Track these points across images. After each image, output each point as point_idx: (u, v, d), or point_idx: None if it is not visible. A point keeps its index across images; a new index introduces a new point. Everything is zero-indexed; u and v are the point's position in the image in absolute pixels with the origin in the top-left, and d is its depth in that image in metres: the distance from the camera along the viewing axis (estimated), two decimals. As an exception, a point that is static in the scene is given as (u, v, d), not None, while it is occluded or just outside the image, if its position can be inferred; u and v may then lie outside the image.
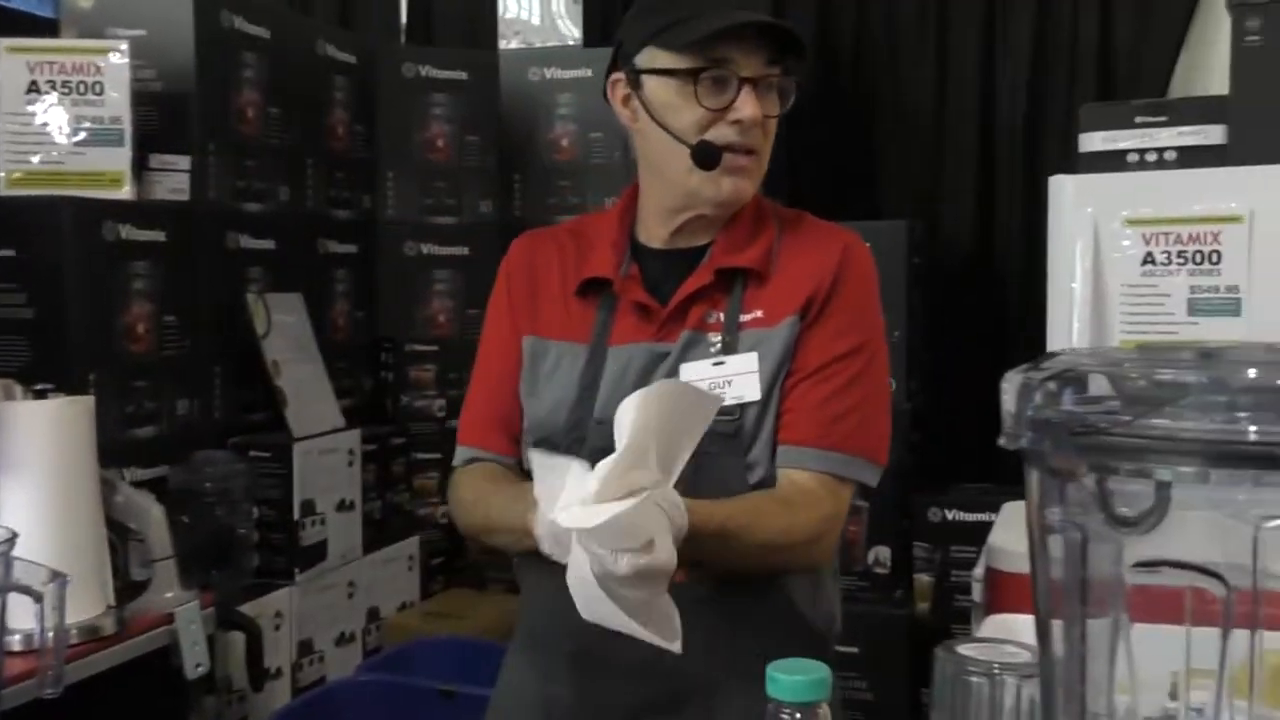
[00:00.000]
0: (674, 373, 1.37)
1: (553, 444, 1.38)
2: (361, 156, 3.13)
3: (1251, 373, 0.67)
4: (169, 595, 1.95)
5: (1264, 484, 0.67)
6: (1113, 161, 2.46)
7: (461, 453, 1.51)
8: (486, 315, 1.54)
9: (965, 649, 1.01)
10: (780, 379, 1.37)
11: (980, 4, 3.05)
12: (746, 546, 1.29)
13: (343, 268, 3.04)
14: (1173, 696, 0.81)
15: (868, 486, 1.41)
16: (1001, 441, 0.76)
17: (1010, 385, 0.75)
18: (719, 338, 1.38)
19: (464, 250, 3.26)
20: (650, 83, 1.39)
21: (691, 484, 1.27)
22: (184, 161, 2.46)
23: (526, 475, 1.41)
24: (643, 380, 1.37)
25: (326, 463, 2.62)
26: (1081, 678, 0.81)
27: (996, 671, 0.96)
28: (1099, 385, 0.78)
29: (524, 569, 1.47)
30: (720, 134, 1.36)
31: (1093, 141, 2.48)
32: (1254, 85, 2.32)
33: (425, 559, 3.03)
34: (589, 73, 3.17)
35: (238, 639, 2.21)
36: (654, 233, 1.46)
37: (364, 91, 3.12)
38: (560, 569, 1.16)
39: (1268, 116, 2.30)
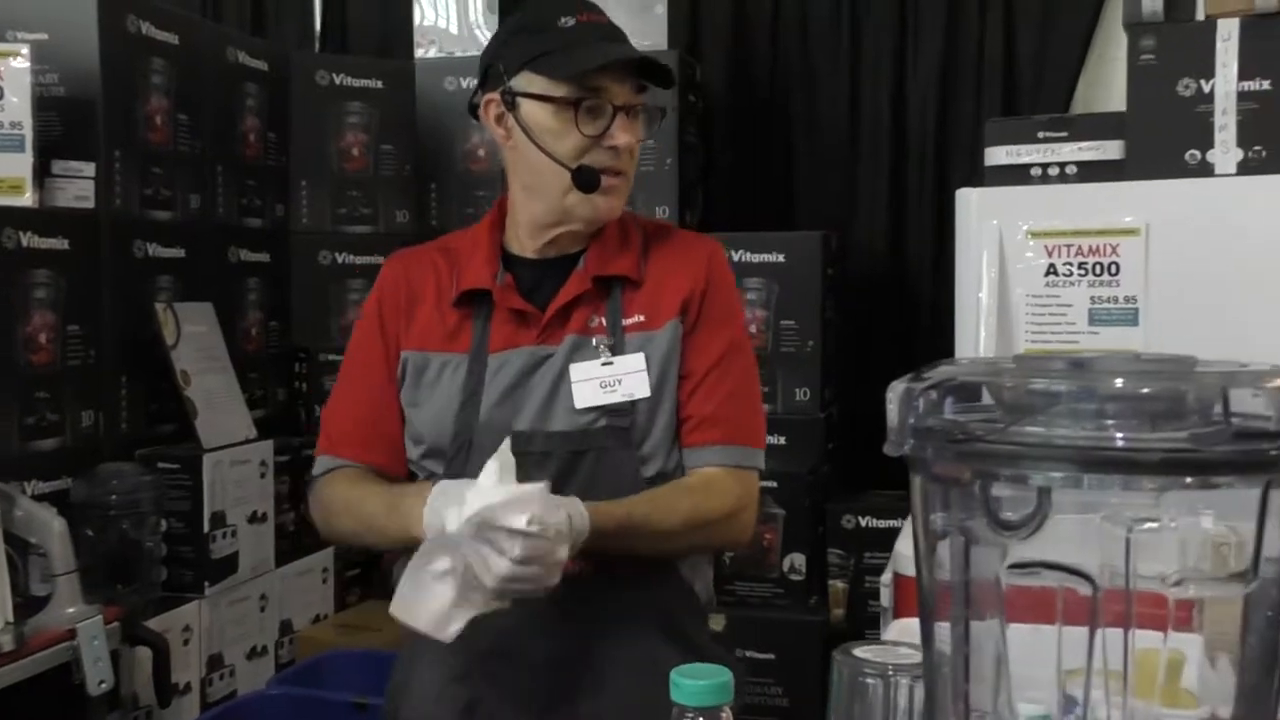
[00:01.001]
0: (563, 374, 1.45)
1: (441, 452, 1.47)
2: (274, 164, 3.09)
3: (1118, 382, 0.70)
4: (70, 610, 1.91)
5: (1131, 488, 0.70)
6: (1017, 175, 2.52)
7: (322, 462, 1.55)
8: (354, 332, 1.59)
9: (862, 651, 1.03)
10: (669, 376, 1.47)
11: (891, 21, 3.11)
12: (655, 533, 1.40)
13: (255, 277, 3.00)
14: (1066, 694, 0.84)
15: (759, 470, 1.53)
16: (886, 449, 0.78)
17: (894, 394, 0.77)
18: (604, 340, 1.47)
19: (379, 259, 3.19)
20: (527, 106, 1.46)
21: (588, 478, 1.42)
22: (88, 168, 2.41)
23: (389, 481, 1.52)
24: (525, 382, 1.46)
25: (238, 474, 2.58)
26: (966, 677, 0.83)
27: (890, 673, 0.99)
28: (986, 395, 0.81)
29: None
30: (596, 158, 1.45)
31: (997, 155, 2.55)
32: (1149, 102, 2.40)
33: (340, 571, 3.00)
34: (505, 82, 3.16)
35: (144, 654, 2.16)
36: (525, 244, 1.55)
37: (277, 99, 3.09)
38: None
39: (1162, 133, 2.38)
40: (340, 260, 3.19)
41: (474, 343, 1.49)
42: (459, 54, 3.26)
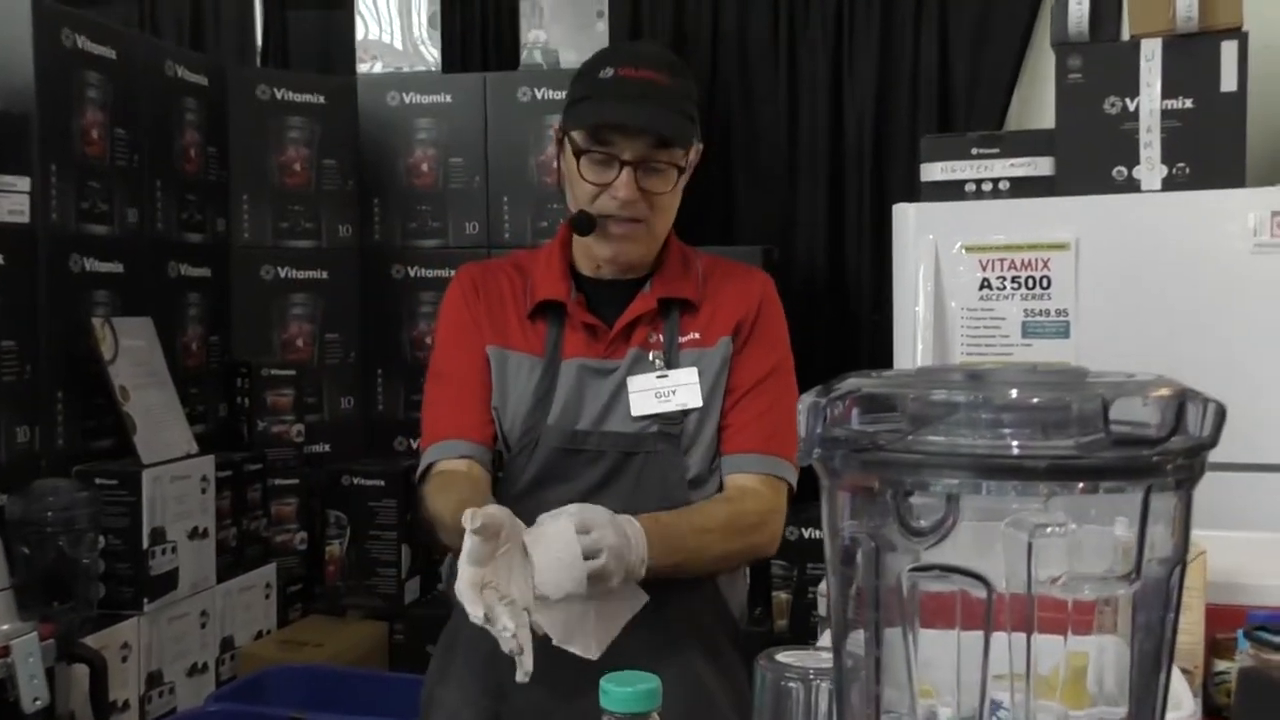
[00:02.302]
0: (623, 384, 1.56)
1: (509, 445, 1.59)
2: (214, 179, 3.08)
3: (1013, 392, 0.73)
4: (5, 627, 1.90)
5: (1025, 494, 0.73)
6: (952, 191, 2.57)
7: (431, 452, 1.60)
8: (441, 332, 1.67)
9: (784, 656, 1.05)
10: (719, 389, 1.58)
11: (827, 39, 3.16)
12: (702, 538, 1.48)
13: (195, 291, 2.98)
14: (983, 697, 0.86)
15: (791, 487, 1.59)
16: (796, 459, 0.81)
17: (803, 405, 0.79)
18: (660, 355, 1.58)
19: (322, 274, 3.23)
20: (566, 151, 1.58)
21: (636, 476, 1.54)
22: (23, 183, 2.39)
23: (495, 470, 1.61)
24: (589, 389, 1.56)
25: (178, 490, 2.56)
26: (878, 679, 0.85)
27: (811, 676, 1.01)
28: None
29: None
30: (603, 204, 1.54)
31: (933, 171, 2.59)
32: (1077, 120, 2.46)
33: (282, 586, 2.99)
34: (448, 98, 3.18)
35: (81, 671, 2.14)
36: (587, 264, 1.64)
37: (216, 113, 3.08)
38: None
39: (1090, 150, 2.44)
40: (282, 274, 3.19)
41: (549, 348, 1.59)
42: (404, 69, 3.28)
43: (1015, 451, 0.71)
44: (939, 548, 0.81)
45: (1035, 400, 0.71)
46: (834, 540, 0.84)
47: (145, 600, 2.46)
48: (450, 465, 1.58)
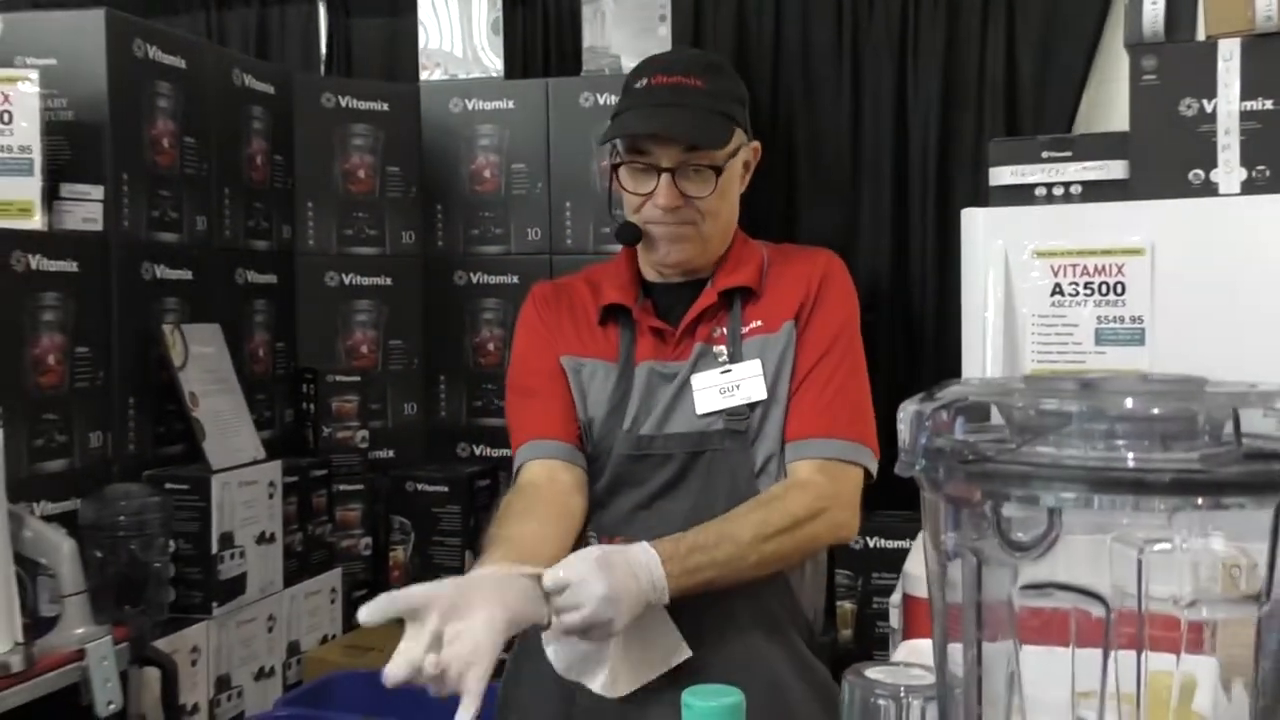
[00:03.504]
0: (686, 384, 1.55)
1: (586, 451, 1.59)
2: (280, 187, 3.11)
3: (1128, 402, 0.70)
4: (79, 631, 1.91)
5: (1142, 508, 0.70)
6: (1021, 195, 2.52)
7: (524, 451, 1.61)
8: (517, 346, 1.69)
9: (873, 672, 1.03)
10: (784, 376, 1.55)
11: (891, 43, 3.13)
12: (732, 550, 1.42)
13: (262, 298, 3.01)
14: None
15: (869, 472, 1.54)
16: (897, 469, 0.79)
17: (905, 414, 0.77)
18: (724, 348, 1.56)
19: (386, 280, 3.25)
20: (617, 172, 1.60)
21: (704, 475, 1.52)
22: (96, 191, 2.43)
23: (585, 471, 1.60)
24: (657, 392, 1.56)
25: (246, 495, 2.58)
26: (979, 698, 0.83)
27: (902, 694, 0.99)
28: (996, 415, 0.81)
29: None
30: (648, 213, 1.55)
31: (1002, 175, 2.55)
32: (1151, 122, 2.41)
33: (347, 591, 3.00)
34: (510, 104, 3.19)
35: (152, 675, 2.16)
36: (651, 270, 1.65)
37: (282, 122, 3.10)
38: None
39: (1165, 153, 2.39)
40: (347, 281, 3.21)
41: (622, 354, 1.60)
42: (463, 76, 3.29)
43: (1132, 464, 0.69)
44: (1039, 563, 0.79)
45: (1156, 410, 0.68)
46: (935, 554, 0.82)
47: (214, 604, 2.48)
48: (534, 472, 1.58)
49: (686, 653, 1.44)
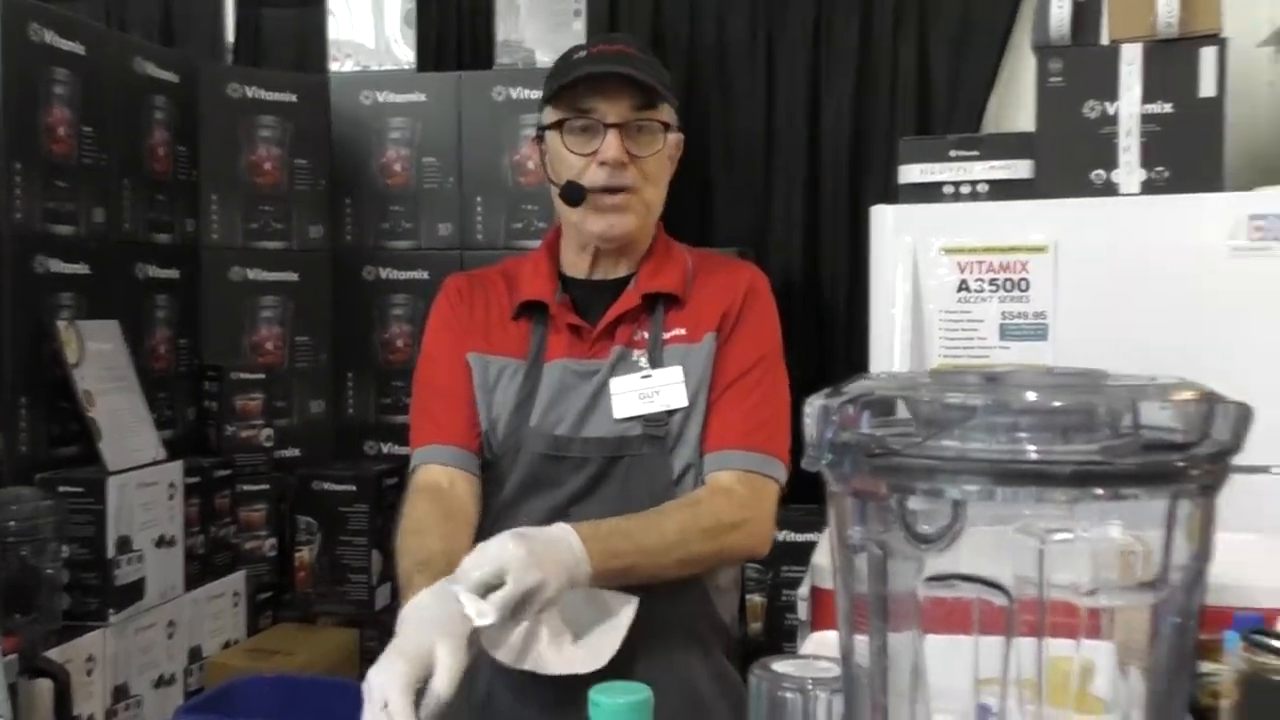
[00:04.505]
0: (604, 387, 1.52)
1: (493, 450, 1.55)
2: (184, 179, 3.02)
3: (1031, 396, 0.71)
4: (-34, 641, 1.84)
5: (1044, 500, 0.70)
6: (930, 193, 2.56)
7: (419, 454, 1.58)
8: (426, 342, 1.65)
9: (780, 666, 1.03)
10: (704, 387, 1.53)
11: (805, 41, 3.15)
12: (655, 541, 1.41)
13: (163, 293, 2.93)
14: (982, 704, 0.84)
15: (779, 484, 1.54)
16: (804, 463, 0.78)
17: (811, 409, 0.77)
18: (645, 353, 1.53)
19: (293, 276, 3.18)
20: (547, 137, 1.55)
21: (622, 481, 1.50)
22: (-13, 181, 2.34)
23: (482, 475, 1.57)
24: (571, 391, 1.53)
25: (145, 497, 2.51)
26: (884, 689, 0.83)
27: (809, 687, 0.99)
28: (903, 409, 0.81)
29: None
30: (592, 176, 1.51)
31: (911, 173, 2.59)
32: (1056, 123, 2.46)
33: (251, 594, 2.93)
34: (423, 97, 3.14)
35: (44, 686, 2.08)
36: (576, 266, 1.61)
37: (187, 112, 3.02)
38: None
39: (1068, 153, 2.44)
40: (252, 276, 3.14)
41: (531, 351, 1.57)
42: (374, 68, 3.23)
43: (1034, 457, 0.69)
44: (944, 554, 0.79)
45: (1057, 404, 0.69)
46: (841, 548, 0.82)
47: (111, 611, 2.40)
48: (434, 475, 1.55)
49: (633, 599, 1.41)
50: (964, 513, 0.75)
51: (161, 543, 2.56)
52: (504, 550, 1.25)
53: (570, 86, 1.49)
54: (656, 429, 1.51)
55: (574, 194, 1.51)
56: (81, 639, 2.32)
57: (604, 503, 1.47)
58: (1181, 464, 0.67)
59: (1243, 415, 0.69)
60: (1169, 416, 0.68)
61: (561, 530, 1.33)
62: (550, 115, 1.54)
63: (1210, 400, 0.68)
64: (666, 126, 1.54)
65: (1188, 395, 0.68)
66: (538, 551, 1.27)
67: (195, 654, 2.69)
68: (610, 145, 1.48)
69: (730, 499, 1.48)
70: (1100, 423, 0.67)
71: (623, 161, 1.49)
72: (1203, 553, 0.73)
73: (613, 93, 1.49)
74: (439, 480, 1.54)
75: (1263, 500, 2.11)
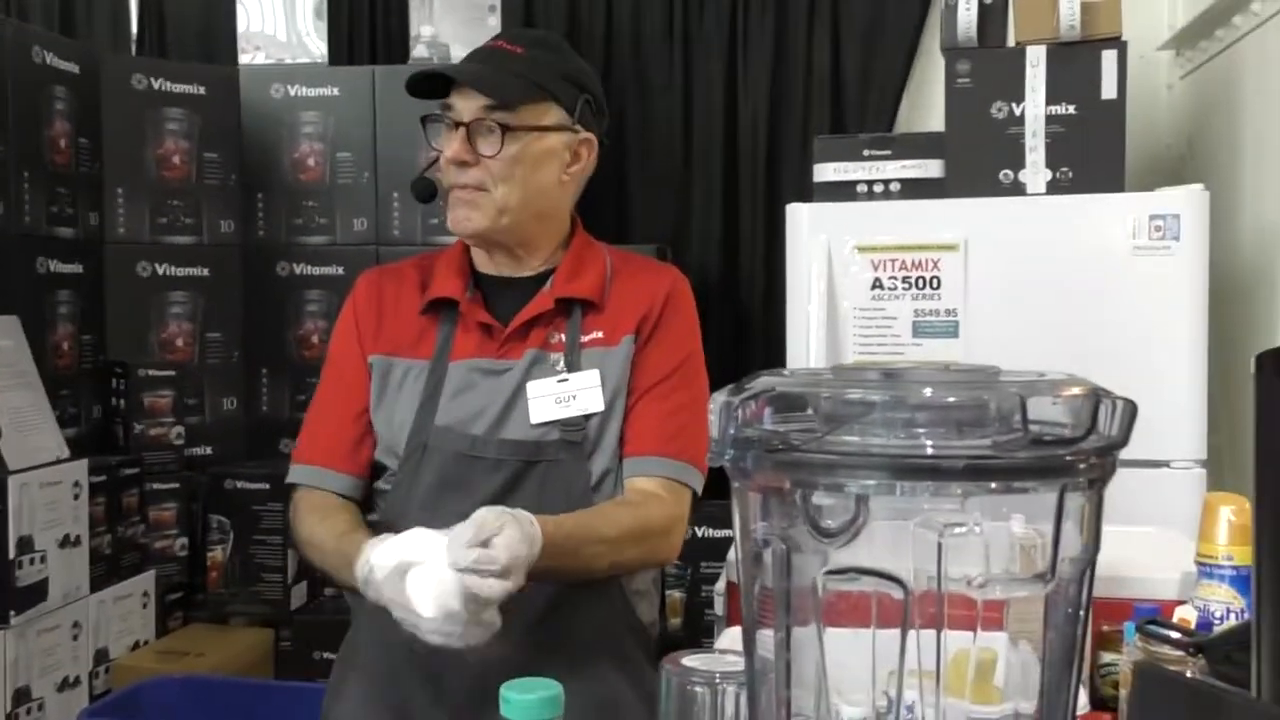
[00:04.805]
0: (520, 387, 1.50)
1: (396, 454, 1.53)
2: (86, 171, 2.95)
3: (927, 391, 0.72)
4: None
5: (940, 494, 0.72)
6: (844, 191, 2.60)
7: (296, 472, 1.58)
8: (331, 344, 1.64)
9: (690, 660, 1.04)
10: (622, 391, 1.52)
11: (721, 38, 3.17)
12: (598, 546, 1.42)
13: (66, 289, 2.85)
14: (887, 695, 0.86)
15: (695, 493, 1.55)
16: (707, 459, 0.79)
17: (715, 405, 0.78)
18: (561, 356, 1.52)
19: (203, 271, 3.12)
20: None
21: (538, 486, 1.48)
22: (-123, 173, 2.26)
23: (365, 497, 1.57)
24: (482, 391, 1.51)
25: (48, 496, 2.45)
26: (788, 682, 0.84)
27: (718, 680, 1.00)
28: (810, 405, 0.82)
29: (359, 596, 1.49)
30: (447, 173, 1.51)
31: (825, 172, 2.62)
32: (965, 124, 2.51)
33: (161, 594, 2.87)
34: (335, 91, 3.10)
35: (-59, 691, 2.03)
36: (485, 262, 1.60)
37: (89, 103, 2.95)
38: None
39: (977, 153, 2.49)
40: (161, 271, 3.07)
41: (436, 350, 1.54)
42: (287, 60, 3.19)
43: (930, 451, 0.70)
44: (847, 548, 0.80)
45: (951, 399, 0.70)
46: (745, 542, 0.83)
47: (12, 613, 2.34)
48: (316, 499, 1.55)
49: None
50: (866, 507, 0.77)
51: (66, 543, 2.50)
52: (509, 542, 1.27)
53: (421, 83, 1.51)
54: (574, 434, 1.49)
55: (420, 190, 1.55)
56: (-20, 642, 2.26)
57: (519, 507, 1.41)
58: (1070, 458, 0.69)
59: (1129, 411, 0.71)
60: (1059, 412, 0.70)
61: (533, 528, 1.32)
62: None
63: (1097, 396, 0.70)
64: (512, 128, 1.49)
65: (1076, 391, 0.70)
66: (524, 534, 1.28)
67: (102, 656, 2.63)
68: (451, 142, 1.49)
69: (662, 506, 1.49)
70: (992, 418, 0.68)
71: (463, 160, 1.49)
72: (1092, 544, 0.75)
73: (468, 91, 1.49)
74: (326, 503, 1.54)
75: (1162, 494, 2.19)
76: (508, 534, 1.26)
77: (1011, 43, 2.51)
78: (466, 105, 1.48)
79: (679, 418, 1.53)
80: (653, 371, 1.54)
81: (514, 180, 1.51)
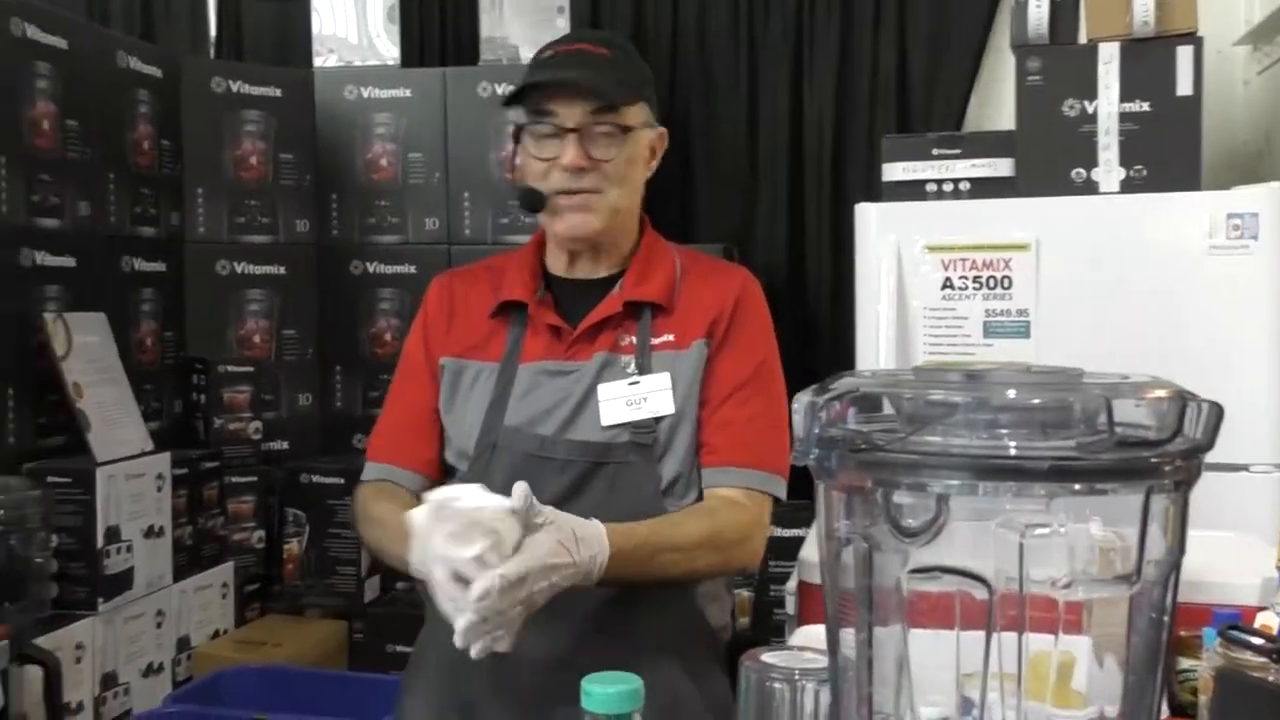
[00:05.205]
0: (591, 389, 1.51)
1: (467, 455, 1.53)
2: (168, 173, 3.03)
3: (1011, 393, 0.73)
4: (-44, 632, 1.85)
5: (1023, 495, 0.73)
6: (913, 191, 2.59)
7: (369, 469, 1.62)
8: (406, 344, 1.67)
9: (769, 657, 1.05)
10: (693, 395, 1.52)
11: (787, 38, 3.17)
12: (671, 555, 1.42)
13: (149, 286, 2.93)
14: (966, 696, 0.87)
15: (778, 499, 1.55)
16: (792, 458, 0.80)
17: (799, 405, 0.79)
18: (632, 359, 1.52)
19: (279, 269, 3.19)
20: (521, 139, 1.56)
21: (606, 488, 1.48)
22: (-28, 175, 2.34)
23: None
24: (551, 393, 1.52)
25: (133, 488, 2.52)
26: (870, 680, 0.85)
27: (797, 678, 1.01)
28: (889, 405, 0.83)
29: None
30: (554, 180, 1.51)
31: (894, 171, 2.61)
32: (1036, 122, 2.49)
33: (239, 585, 2.94)
34: (407, 92, 3.15)
35: (34, 673, 2.10)
36: (557, 264, 1.62)
37: (170, 106, 3.02)
38: None
39: (1049, 151, 2.47)
40: (239, 270, 3.14)
41: (506, 352, 1.56)
42: (358, 63, 3.24)
43: (1013, 452, 0.71)
44: (928, 548, 0.81)
45: (1035, 400, 0.71)
46: (829, 541, 0.84)
47: (100, 600, 2.41)
48: (388, 488, 1.58)
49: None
50: (947, 507, 0.78)
51: (150, 533, 2.57)
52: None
53: (529, 91, 1.50)
54: (644, 436, 1.49)
55: (528, 201, 1.54)
56: (71, 627, 2.33)
57: (587, 509, 1.43)
58: (1155, 460, 0.69)
59: (1214, 413, 0.71)
60: (1143, 414, 0.71)
61: (590, 529, 1.33)
62: (515, 116, 1.55)
63: (1182, 398, 0.70)
64: (629, 129, 1.53)
65: (1160, 393, 0.70)
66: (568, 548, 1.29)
67: (183, 644, 2.71)
68: (568, 150, 1.49)
69: (741, 514, 1.49)
70: (1077, 419, 0.69)
71: (580, 166, 1.50)
72: (1177, 547, 0.75)
73: (571, 97, 1.49)
74: (392, 490, 1.58)
75: (1241, 498, 2.16)
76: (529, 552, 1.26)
77: (1083, 39, 2.49)
78: (570, 111, 1.49)
79: (756, 425, 1.52)
80: (728, 379, 1.53)
81: (626, 181, 1.55)
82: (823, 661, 1.01)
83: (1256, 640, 1.16)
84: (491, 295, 1.61)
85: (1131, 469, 0.69)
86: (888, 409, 0.82)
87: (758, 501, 1.52)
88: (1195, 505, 1.48)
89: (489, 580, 1.22)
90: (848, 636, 0.87)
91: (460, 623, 1.24)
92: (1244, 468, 2.27)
